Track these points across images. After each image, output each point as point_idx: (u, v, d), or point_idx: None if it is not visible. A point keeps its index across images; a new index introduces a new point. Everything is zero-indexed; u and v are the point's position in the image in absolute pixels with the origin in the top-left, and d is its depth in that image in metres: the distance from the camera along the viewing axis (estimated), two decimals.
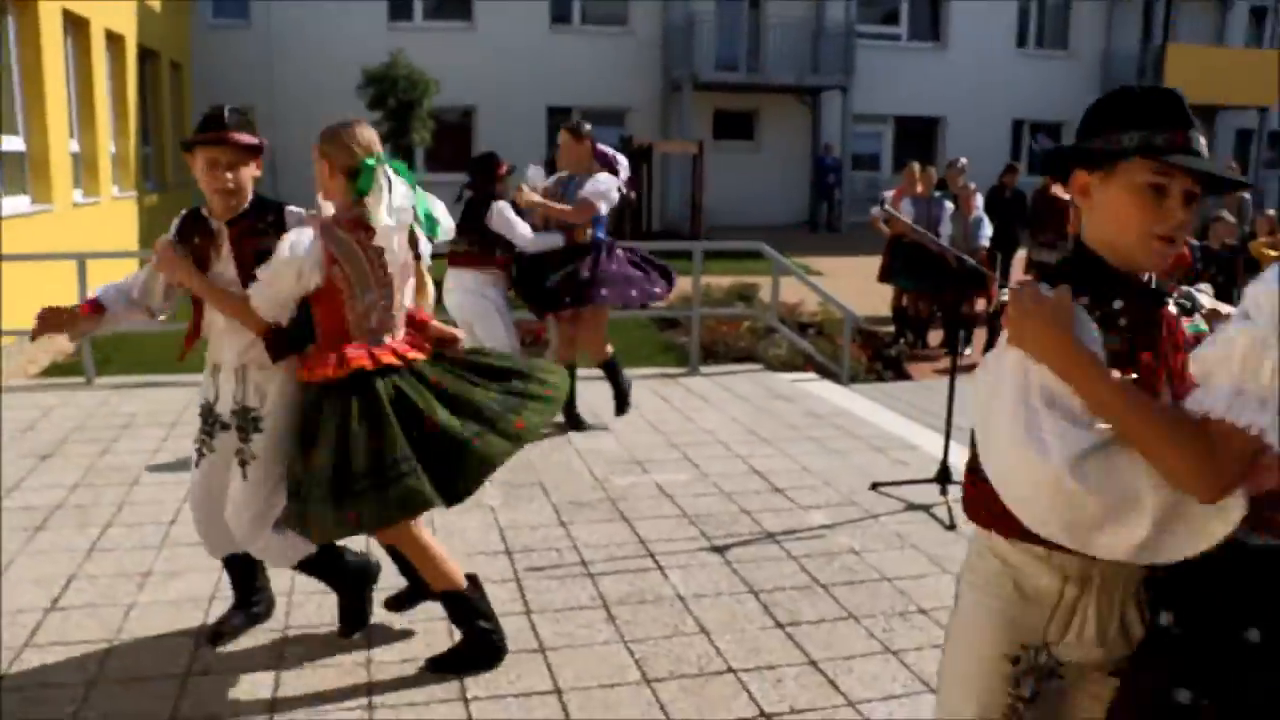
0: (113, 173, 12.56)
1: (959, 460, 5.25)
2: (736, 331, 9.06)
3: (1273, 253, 8.26)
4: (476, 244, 5.55)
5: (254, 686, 3.09)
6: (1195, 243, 8.75)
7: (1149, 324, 1.60)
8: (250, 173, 3.08)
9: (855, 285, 10.93)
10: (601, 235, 5.86)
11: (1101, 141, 1.60)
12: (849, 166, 21.72)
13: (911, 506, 4.79)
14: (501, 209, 5.50)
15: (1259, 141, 24.62)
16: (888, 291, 10.16)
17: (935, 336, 9.71)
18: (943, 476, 4.84)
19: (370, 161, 2.89)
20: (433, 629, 3.44)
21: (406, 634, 3.42)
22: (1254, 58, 22.66)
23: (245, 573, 3.41)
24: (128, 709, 2.96)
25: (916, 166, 9.52)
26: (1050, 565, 1.63)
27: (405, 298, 3.13)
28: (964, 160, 9.83)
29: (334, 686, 3.09)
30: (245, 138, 3.02)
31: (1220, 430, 1.35)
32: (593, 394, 6.33)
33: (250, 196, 3.10)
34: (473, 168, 5.73)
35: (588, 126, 5.85)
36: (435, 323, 3.33)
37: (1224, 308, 1.73)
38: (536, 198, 5.58)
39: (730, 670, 3.24)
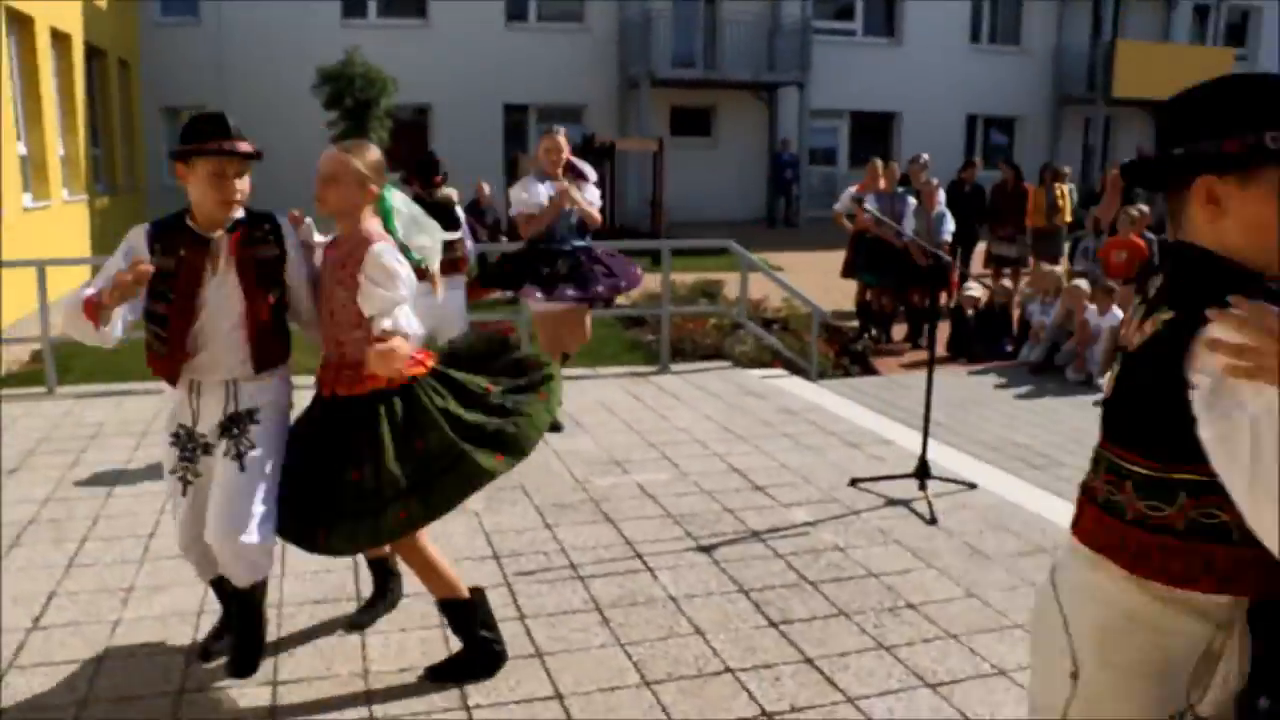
0: (63, 175, 12.28)
1: (937, 455, 5.36)
2: (703, 329, 9.10)
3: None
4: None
5: (251, 700, 3.05)
6: (1153, 236, 8.97)
7: None
8: (248, 181, 3.01)
9: (815, 280, 11.02)
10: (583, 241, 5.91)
11: (1236, 143, 1.40)
12: (806, 162, 21.89)
13: (891, 502, 4.86)
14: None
15: None
16: (849, 286, 10.26)
17: (899, 331, 9.83)
18: (921, 471, 4.91)
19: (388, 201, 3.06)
20: (429, 638, 3.43)
21: (402, 643, 3.40)
22: (1199, 54, 23.14)
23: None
24: None
25: (879, 162, 9.61)
26: (1203, 613, 1.49)
27: None
28: (926, 156, 9.94)
29: (333, 696, 3.07)
30: (250, 146, 2.96)
31: None
32: (566, 396, 6.33)
33: None
34: (417, 170, 6.07)
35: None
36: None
37: None
38: (578, 194, 5.69)
39: (728, 670, 3.26)
